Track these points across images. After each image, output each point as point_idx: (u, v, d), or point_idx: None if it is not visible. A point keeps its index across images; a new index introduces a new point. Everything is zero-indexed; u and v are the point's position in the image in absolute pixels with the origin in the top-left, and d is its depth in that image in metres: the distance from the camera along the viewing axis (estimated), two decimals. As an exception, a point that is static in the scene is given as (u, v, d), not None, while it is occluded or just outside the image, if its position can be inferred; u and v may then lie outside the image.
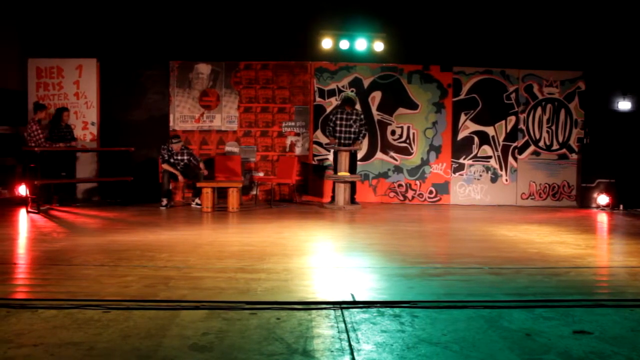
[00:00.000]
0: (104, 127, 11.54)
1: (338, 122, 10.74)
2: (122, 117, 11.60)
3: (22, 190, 9.88)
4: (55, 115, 10.54)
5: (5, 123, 10.61)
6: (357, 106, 11.13)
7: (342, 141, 10.72)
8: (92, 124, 11.29)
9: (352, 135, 10.74)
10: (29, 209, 9.27)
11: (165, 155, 10.36)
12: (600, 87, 11.68)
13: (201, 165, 10.50)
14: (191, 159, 10.54)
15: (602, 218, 9.95)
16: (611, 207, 10.88)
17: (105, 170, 11.33)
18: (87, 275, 4.88)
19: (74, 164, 10.79)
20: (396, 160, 11.76)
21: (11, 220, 8.58)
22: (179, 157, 10.43)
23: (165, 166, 10.31)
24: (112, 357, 3.04)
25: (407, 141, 11.73)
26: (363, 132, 10.84)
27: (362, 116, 10.91)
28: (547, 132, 11.84)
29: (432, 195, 11.74)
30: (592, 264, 5.85)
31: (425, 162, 11.77)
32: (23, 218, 8.79)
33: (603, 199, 10.96)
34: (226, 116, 11.71)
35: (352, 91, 11.44)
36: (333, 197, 10.81)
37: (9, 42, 11.08)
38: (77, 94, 11.38)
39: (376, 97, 11.72)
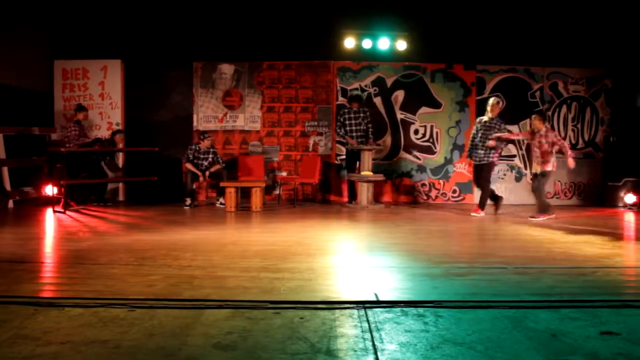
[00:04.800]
0: (128, 127, 11.65)
1: (347, 121, 10.89)
2: (146, 117, 11.71)
3: (49, 190, 10.02)
4: (111, 138, 10.87)
5: (33, 124, 10.75)
6: (380, 105, 11.16)
7: (355, 140, 10.84)
8: (117, 124, 11.41)
9: (362, 134, 10.92)
10: (56, 209, 9.39)
11: (190, 156, 10.45)
12: (627, 84, 11.49)
13: (217, 166, 10.54)
14: (216, 158, 10.60)
15: (629, 217, 9.80)
16: (638, 206, 10.70)
17: (130, 170, 11.45)
18: (113, 274, 4.92)
19: (99, 165, 10.91)
20: (419, 159, 11.71)
21: (38, 220, 8.70)
22: (204, 156, 10.50)
23: (188, 165, 10.40)
24: (137, 355, 3.07)
25: (431, 140, 11.68)
26: (370, 129, 11.02)
27: (368, 114, 11.05)
28: (573, 130, 11.71)
29: (455, 195, 11.67)
30: (619, 264, 5.76)
31: (448, 161, 11.71)
32: (50, 218, 8.91)
33: (630, 197, 10.79)
34: (249, 116, 11.75)
35: (374, 90, 11.49)
36: (352, 196, 10.88)
37: (36, 45, 11.23)
38: (102, 95, 11.51)
39: (399, 96, 11.68)
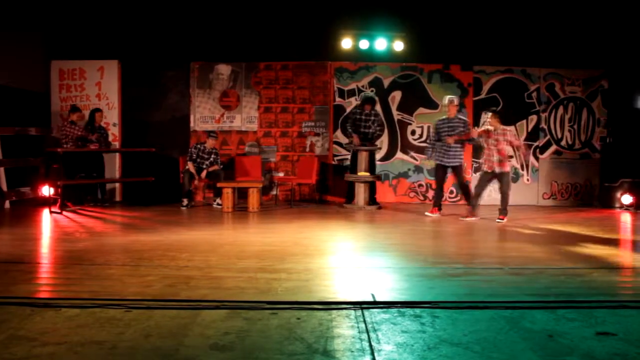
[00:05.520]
0: (125, 128, 11.63)
1: (357, 122, 10.74)
2: (143, 117, 11.69)
3: (46, 190, 10.00)
4: (90, 116, 10.72)
5: (30, 124, 10.74)
6: (377, 106, 11.17)
7: (362, 141, 10.76)
8: (114, 124, 11.39)
9: (370, 137, 10.78)
10: (52, 209, 9.37)
11: (194, 155, 10.46)
12: (623, 85, 11.52)
13: (215, 167, 10.54)
14: (217, 159, 10.60)
15: (626, 218, 9.82)
16: (635, 207, 10.70)
17: (127, 171, 11.44)
18: (110, 274, 4.92)
19: (102, 164, 10.88)
20: (416, 160, 11.71)
21: (35, 221, 8.69)
22: (206, 156, 10.50)
23: (189, 164, 10.40)
24: (134, 356, 3.07)
25: (428, 141, 11.68)
26: (378, 132, 10.96)
27: (380, 117, 10.94)
28: (569, 131, 11.72)
29: (452, 195, 11.67)
30: (615, 265, 5.78)
31: (445, 162, 11.71)
32: (46, 218, 8.89)
33: (627, 198, 10.79)
34: (246, 116, 11.75)
35: (371, 91, 11.47)
36: (350, 197, 10.86)
37: (33, 45, 11.20)
38: (99, 95, 11.49)
39: (396, 96, 11.69)
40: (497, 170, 9.01)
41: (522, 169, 11.67)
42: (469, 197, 9.61)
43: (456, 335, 3.39)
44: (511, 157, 9.38)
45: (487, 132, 9.13)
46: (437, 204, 9.76)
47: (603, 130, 11.67)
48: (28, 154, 10.56)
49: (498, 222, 8.92)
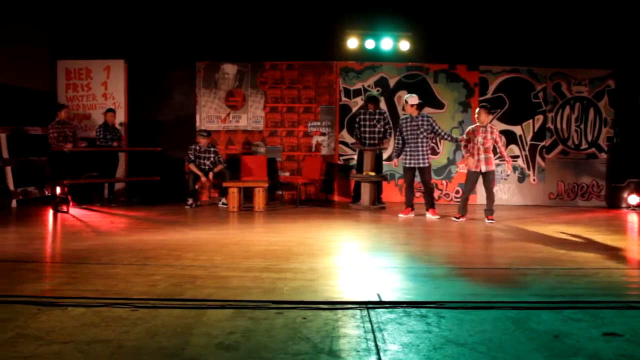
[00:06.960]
0: (131, 127, 11.67)
1: (362, 122, 10.70)
2: (149, 117, 11.72)
3: (52, 189, 10.02)
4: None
5: (36, 124, 10.77)
6: (382, 105, 11.15)
7: (368, 141, 10.66)
8: (120, 124, 11.42)
9: (377, 135, 10.68)
10: (58, 208, 9.40)
11: (192, 156, 10.46)
12: (630, 85, 11.46)
13: (220, 166, 10.55)
14: (218, 157, 10.62)
15: (633, 218, 9.78)
16: (642, 207, 10.68)
17: (133, 170, 11.47)
18: (115, 274, 4.93)
19: (108, 163, 10.90)
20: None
21: (41, 220, 8.71)
22: (205, 155, 10.51)
23: (191, 167, 10.41)
24: (139, 355, 3.07)
25: (434, 141, 11.65)
26: (389, 131, 10.77)
27: (385, 115, 10.87)
28: (576, 131, 11.69)
29: (458, 195, 11.64)
30: (621, 265, 5.75)
31: (451, 162, 11.70)
32: (53, 217, 8.92)
33: (633, 198, 10.75)
34: (252, 116, 11.76)
35: (377, 90, 11.45)
36: (355, 197, 10.83)
37: (39, 44, 11.25)
38: (105, 95, 11.53)
39: (402, 96, 11.64)
40: (483, 169, 8.86)
41: (529, 169, 11.64)
42: (432, 199, 9.57)
43: (462, 336, 3.38)
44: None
45: (473, 130, 8.99)
46: (410, 204, 9.58)
47: (610, 130, 11.63)
48: (34, 154, 10.59)
49: (489, 223, 8.77)
